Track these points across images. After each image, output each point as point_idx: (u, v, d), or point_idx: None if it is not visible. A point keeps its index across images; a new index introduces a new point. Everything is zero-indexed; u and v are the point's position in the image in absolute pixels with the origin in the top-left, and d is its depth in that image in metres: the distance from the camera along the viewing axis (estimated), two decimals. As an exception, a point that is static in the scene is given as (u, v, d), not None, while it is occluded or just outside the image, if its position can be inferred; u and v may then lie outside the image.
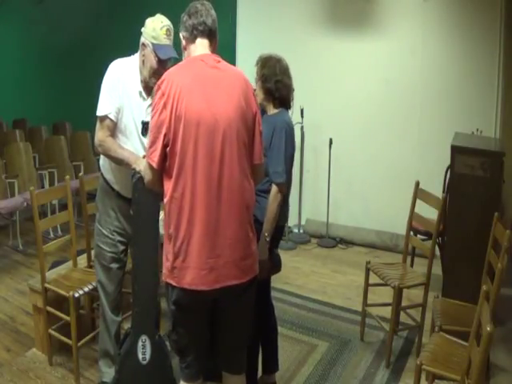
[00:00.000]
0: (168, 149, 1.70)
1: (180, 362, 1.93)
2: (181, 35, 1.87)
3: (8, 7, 7.72)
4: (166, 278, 1.80)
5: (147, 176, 1.81)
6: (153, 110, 1.74)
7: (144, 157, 2.19)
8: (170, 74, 1.76)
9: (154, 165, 1.72)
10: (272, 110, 2.35)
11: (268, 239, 2.22)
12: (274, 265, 2.39)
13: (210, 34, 1.82)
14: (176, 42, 2.25)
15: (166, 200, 1.74)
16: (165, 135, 1.69)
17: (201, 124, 1.68)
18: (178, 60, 2.25)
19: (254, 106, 1.84)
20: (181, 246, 1.72)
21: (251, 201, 1.83)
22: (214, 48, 1.86)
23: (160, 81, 1.76)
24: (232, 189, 1.73)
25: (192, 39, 1.83)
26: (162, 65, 2.22)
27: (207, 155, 1.69)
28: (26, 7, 7.47)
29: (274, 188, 2.21)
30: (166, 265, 1.79)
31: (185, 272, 1.73)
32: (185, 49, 1.87)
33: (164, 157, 1.72)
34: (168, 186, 1.73)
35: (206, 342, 1.93)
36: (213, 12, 1.84)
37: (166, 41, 2.21)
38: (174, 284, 1.76)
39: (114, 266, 2.44)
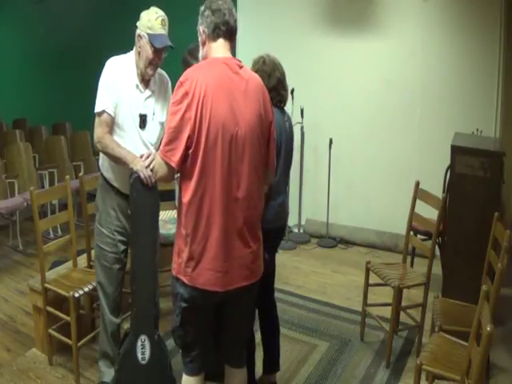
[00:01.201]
0: (190, 151, 1.69)
1: (184, 356, 1.96)
2: (200, 29, 1.82)
3: (8, 7, 7.73)
4: (177, 273, 1.81)
5: (161, 172, 1.77)
6: (173, 107, 1.70)
7: (141, 156, 2.19)
8: (193, 73, 1.72)
9: (173, 164, 1.70)
10: None
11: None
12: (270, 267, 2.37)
13: (231, 35, 1.81)
14: (171, 34, 2.27)
15: (184, 200, 1.74)
16: (188, 137, 1.67)
17: (224, 131, 1.68)
18: (173, 50, 2.26)
19: (270, 114, 1.85)
20: (197, 248, 1.74)
21: (261, 206, 1.88)
22: (232, 48, 1.84)
23: (183, 78, 1.72)
24: (248, 195, 1.76)
25: (213, 38, 1.80)
26: (158, 55, 2.24)
27: (229, 162, 1.70)
28: (26, 7, 7.47)
29: None
30: (178, 261, 1.80)
31: (199, 273, 1.75)
32: (203, 44, 1.83)
33: (185, 158, 1.71)
34: (187, 187, 1.73)
35: (210, 338, 1.97)
36: (234, 11, 1.80)
37: (161, 30, 2.22)
38: (185, 282, 1.78)
39: (116, 266, 2.43)
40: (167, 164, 1.72)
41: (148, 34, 2.20)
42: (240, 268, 1.78)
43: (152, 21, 2.21)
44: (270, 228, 2.33)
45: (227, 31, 1.79)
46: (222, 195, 1.71)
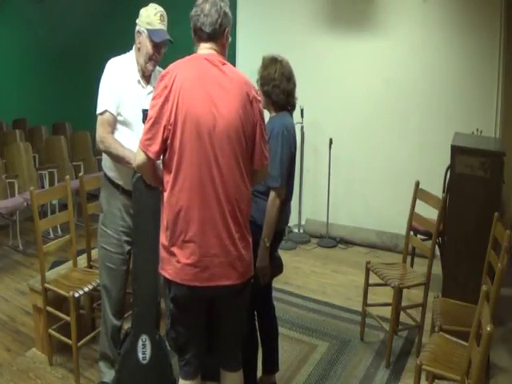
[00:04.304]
0: (168, 142, 1.72)
1: (178, 359, 1.96)
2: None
3: (8, 7, 7.72)
4: (160, 269, 1.83)
5: (137, 160, 1.79)
6: (153, 100, 1.74)
7: None
8: (174, 68, 1.76)
9: (151, 155, 1.73)
10: (272, 113, 2.33)
11: (268, 244, 2.20)
12: (276, 268, 2.38)
13: (210, 38, 1.80)
14: (171, 33, 2.30)
15: (165, 192, 1.76)
16: (165, 127, 1.70)
17: (200, 123, 1.69)
18: (172, 44, 2.28)
19: (255, 113, 1.81)
20: (176, 242, 1.74)
21: (246, 204, 1.83)
22: (224, 45, 1.84)
23: (164, 72, 1.76)
24: (227, 191, 1.74)
25: (195, 41, 1.84)
26: (158, 50, 2.27)
27: (205, 155, 1.70)
28: (26, 7, 7.47)
29: (272, 193, 2.19)
30: (161, 256, 1.82)
31: (179, 267, 1.75)
32: (194, 44, 1.87)
33: (164, 149, 1.74)
34: (167, 179, 1.75)
35: (204, 340, 1.95)
36: (215, 10, 1.77)
37: (160, 26, 2.25)
38: (167, 276, 1.79)
39: (121, 268, 2.42)
40: (145, 153, 1.74)
41: (147, 30, 2.23)
42: (222, 266, 1.75)
43: (151, 16, 2.24)
44: (283, 228, 2.39)
45: (202, 36, 1.80)
46: (200, 190, 1.71)
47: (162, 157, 1.79)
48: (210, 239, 1.73)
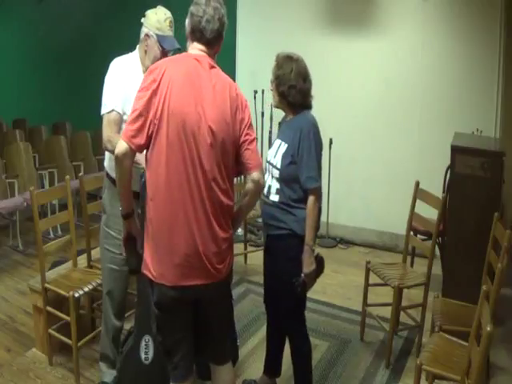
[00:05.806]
0: (152, 138, 1.71)
1: (168, 363, 1.93)
2: (186, 22, 1.83)
3: (8, 7, 7.72)
4: (143, 269, 1.81)
5: (118, 151, 1.71)
6: (140, 92, 1.71)
7: None
8: (163, 63, 1.76)
9: (134, 147, 1.69)
10: (291, 115, 2.28)
11: (314, 248, 2.17)
12: (320, 268, 2.36)
13: (208, 43, 1.79)
14: (177, 33, 2.31)
15: (148, 193, 1.75)
16: (151, 122, 1.69)
17: (186, 123, 1.68)
18: (180, 50, 2.30)
19: (243, 118, 1.80)
20: (159, 243, 1.74)
21: (228, 204, 1.81)
22: (216, 52, 1.84)
23: (153, 67, 1.75)
24: (208, 190, 1.73)
25: (191, 39, 1.82)
26: (165, 55, 2.27)
27: (189, 156, 1.69)
28: (26, 7, 7.47)
29: (312, 196, 2.13)
30: (144, 257, 1.80)
31: (164, 269, 1.74)
32: (187, 37, 1.85)
33: (148, 143, 1.72)
34: (150, 178, 1.74)
35: (191, 342, 1.92)
36: (217, 18, 1.76)
37: (169, 32, 2.27)
38: (150, 277, 1.77)
39: (125, 268, 2.38)
40: (127, 144, 1.70)
41: (157, 35, 2.24)
42: (207, 264, 1.75)
43: (161, 22, 2.24)
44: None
45: (202, 38, 1.78)
46: (183, 190, 1.70)
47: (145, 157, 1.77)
48: (194, 239, 1.72)
